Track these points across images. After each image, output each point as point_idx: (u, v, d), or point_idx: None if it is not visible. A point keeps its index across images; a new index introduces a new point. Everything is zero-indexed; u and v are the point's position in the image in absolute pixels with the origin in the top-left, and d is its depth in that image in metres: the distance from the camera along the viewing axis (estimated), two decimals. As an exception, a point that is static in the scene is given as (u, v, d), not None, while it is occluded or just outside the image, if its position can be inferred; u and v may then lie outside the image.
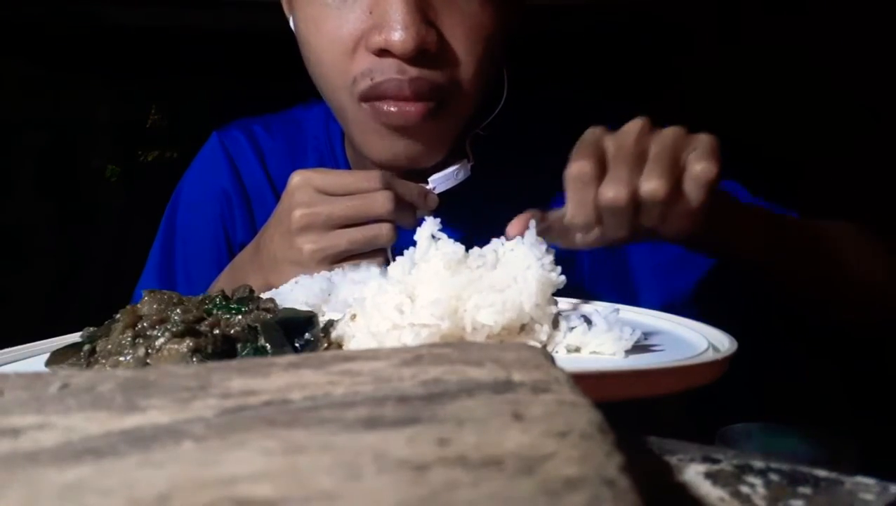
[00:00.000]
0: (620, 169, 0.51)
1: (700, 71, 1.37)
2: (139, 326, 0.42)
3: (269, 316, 0.44)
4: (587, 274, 0.78)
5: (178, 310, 0.42)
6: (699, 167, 0.50)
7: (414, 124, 0.63)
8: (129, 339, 0.41)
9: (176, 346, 0.39)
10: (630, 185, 0.50)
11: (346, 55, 0.63)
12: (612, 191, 0.50)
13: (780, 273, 0.66)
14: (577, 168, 0.52)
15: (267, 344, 0.41)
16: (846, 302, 0.70)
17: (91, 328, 0.45)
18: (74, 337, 0.46)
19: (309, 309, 0.47)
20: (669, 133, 0.53)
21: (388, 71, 0.61)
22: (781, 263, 0.65)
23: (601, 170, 0.52)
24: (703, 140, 0.52)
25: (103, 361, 0.40)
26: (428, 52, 0.61)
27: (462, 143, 0.73)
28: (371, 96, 0.63)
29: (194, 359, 0.39)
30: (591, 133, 0.54)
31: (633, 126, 0.53)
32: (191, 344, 0.39)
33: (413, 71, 0.61)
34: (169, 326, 0.41)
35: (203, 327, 0.41)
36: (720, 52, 1.35)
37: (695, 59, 1.38)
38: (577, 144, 0.54)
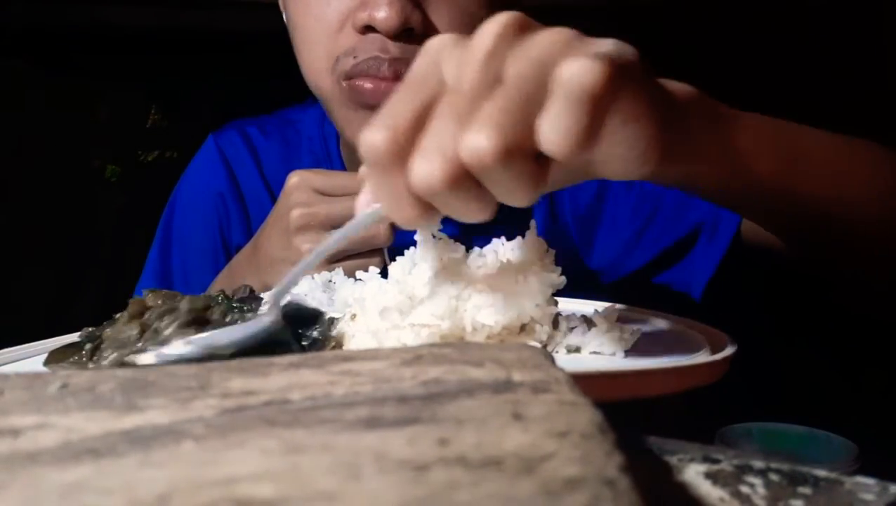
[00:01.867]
0: (441, 125, 0.33)
1: (700, 71, 1.37)
2: (146, 317, 0.42)
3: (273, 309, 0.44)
4: (574, 236, 0.79)
5: (184, 301, 0.42)
6: (568, 72, 0.31)
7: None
8: (135, 330, 0.40)
9: (182, 337, 0.39)
10: (450, 148, 0.32)
11: (332, 34, 0.63)
12: (422, 167, 0.32)
13: (796, 207, 0.51)
14: (367, 139, 0.33)
15: (282, 337, 0.41)
16: (862, 236, 0.55)
17: (89, 328, 0.45)
18: (74, 337, 0.46)
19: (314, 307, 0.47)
20: (541, 38, 0.33)
21: (371, 49, 0.61)
22: (796, 194, 0.50)
23: (418, 130, 0.33)
24: (599, 45, 0.33)
25: (108, 353, 0.40)
26: (412, 32, 0.61)
27: None
28: (351, 75, 0.63)
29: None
30: (428, 51, 0.36)
31: (486, 37, 0.34)
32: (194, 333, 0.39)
33: (395, 50, 0.61)
34: (176, 316, 0.40)
35: (213, 316, 0.41)
36: (720, 53, 1.35)
37: (695, 58, 1.39)
38: (410, 69, 0.36)
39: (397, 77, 0.61)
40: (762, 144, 0.47)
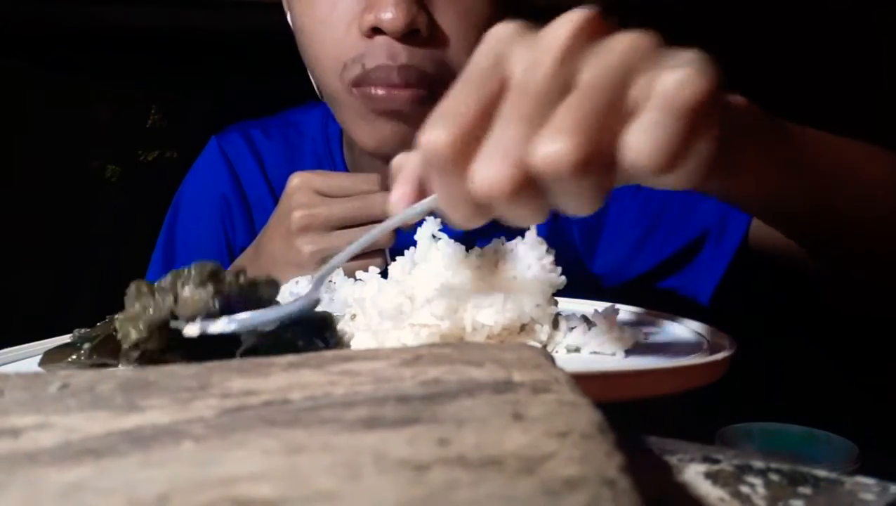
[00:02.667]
0: (508, 127, 0.31)
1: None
2: (157, 287, 0.40)
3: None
4: (578, 240, 0.79)
5: (194, 267, 0.41)
6: (667, 84, 0.30)
7: (403, 108, 0.63)
8: (150, 300, 0.40)
9: (200, 293, 0.38)
10: (517, 153, 0.30)
11: (338, 37, 0.63)
12: (488, 171, 0.30)
13: (805, 201, 0.48)
14: (427, 141, 0.32)
15: (299, 341, 0.41)
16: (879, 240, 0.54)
17: (83, 330, 0.45)
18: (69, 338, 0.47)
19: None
20: (621, 43, 0.32)
21: (379, 56, 0.61)
22: (808, 190, 0.47)
23: (482, 129, 0.31)
24: (679, 57, 0.31)
25: (127, 330, 0.39)
26: (419, 35, 0.61)
27: None
28: (361, 83, 0.63)
29: (216, 303, 0.38)
30: (493, 41, 0.34)
31: (560, 33, 0.31)
32: (212, 289, 0.38)
33: (403, 57, 0.61)
34: (191, 279, 0.39)
35: (228, 278, 0.41)
36: (721, 52, 1.35)
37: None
38: (471, 60, 0.34)
39: (408, 84, 0.62)
40: (805, 157, 0.46)
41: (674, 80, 0.29)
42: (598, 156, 0.30)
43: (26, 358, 0.48)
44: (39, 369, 0.43)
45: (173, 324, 0.39)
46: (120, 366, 0.41)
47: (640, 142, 0.30)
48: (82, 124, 1.22)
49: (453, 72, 0.64)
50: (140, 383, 0.26)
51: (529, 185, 0.30)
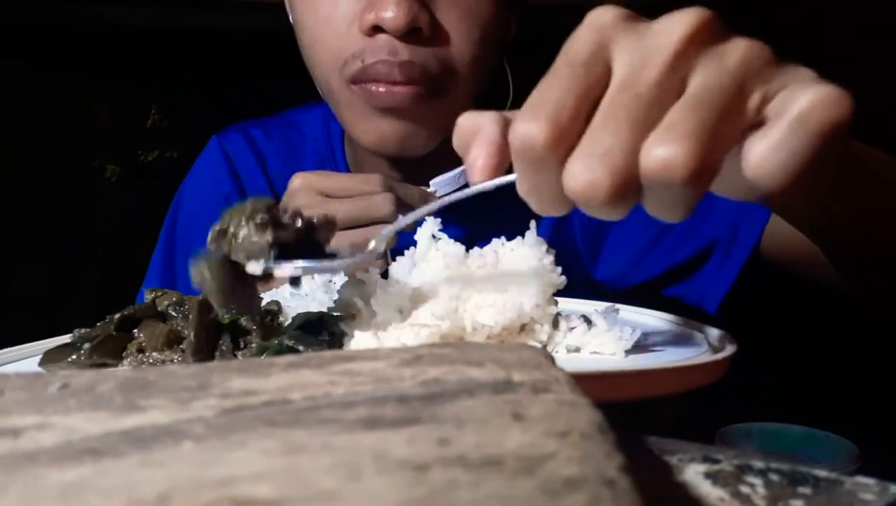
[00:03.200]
0: (612, 129, 0.29)
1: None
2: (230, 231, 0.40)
3: (286, 326, 0.44)
4: (581, 246, 0.79)
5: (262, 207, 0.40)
6: (803, 104, 0.28)
7: (402, 105, 0.63)
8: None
9: (257, 239, 0.39)
10: (620, 157, 0.29)
11: (339, 36, 0.63)
12: (586, 173, 0.29)
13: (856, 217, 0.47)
14: (522, 132, 0.30)
15: (300, 347, 0.41)
16: None
17: (83, 330, 0.45)
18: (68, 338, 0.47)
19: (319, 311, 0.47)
20: (738, 49, 0.30)
21: (380, 52, 0.61)
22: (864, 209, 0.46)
23: (581, 120, 0.30)
24: (802, 74, 0.30)
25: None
26: (420, 33, 0.61)
27: None
28: (361, 79, 0.63)
29: (272, 253, 0.39)
30: (595, 26, 0.32)
31: (677, 29, 0.30)
32: (269, 238, 0.39)
33: (404, 53, 0.61)
34: (255, 220, 0.39)
35: (285, 220, 0.41)
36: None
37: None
38: (566, 43, 0.33)
39: (410, 81, 0.62)
40: (874, 179, 0.44)
41: (813, 99, 0.28)
42: (712, 165, 0.28)
43: (26, 358, 0.48)
44: (39, 369, 0.43)
45: (237, 259, 0.40)
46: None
47: (767, 159, 0.29)
48: (82, 124, 1.22)
49: (455, 70, 0.64)
50: (140, 383, 0.26)
51: (629, 189, 0.29)
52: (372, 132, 0.66)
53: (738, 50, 0.30)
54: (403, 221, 0.43)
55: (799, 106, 0.28)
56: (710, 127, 0.28)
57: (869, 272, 0.55)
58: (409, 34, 0.60)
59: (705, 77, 0.29)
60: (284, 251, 0.40)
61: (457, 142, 0.36)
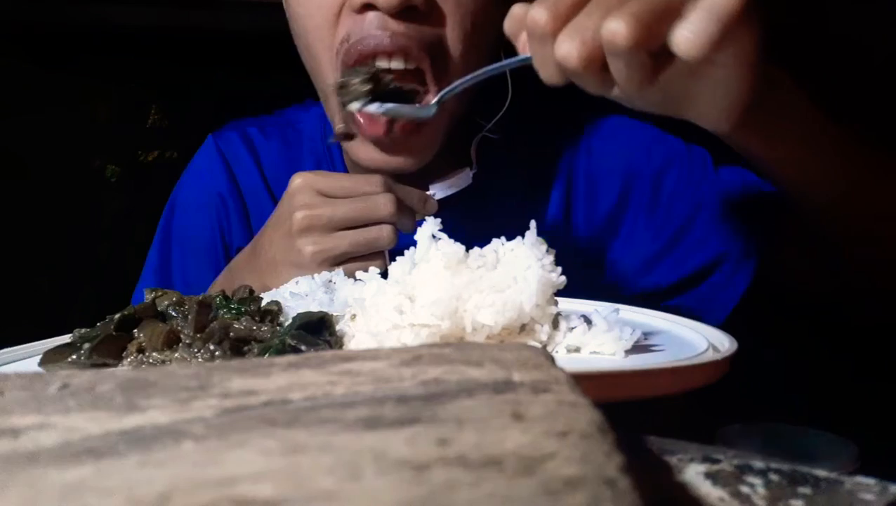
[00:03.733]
0: (587, 14, 0.41)
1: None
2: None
3: (286, 326, 0.44)
4: (579, 266, 0.78)
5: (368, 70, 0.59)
6: (704, 4, 0.39)
7: (383, 139, 0.63)
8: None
9: (362, 86, 0.57)
10: (590, 37, 0.40)
11: (331, 21, 0.63)
12: (566, 44, 0.41)
13: (830, 189, 0.56)
14: (531, 16, 0.43)
15: (302, 346, 0.41)
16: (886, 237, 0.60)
17: (83, 330, 0.45)
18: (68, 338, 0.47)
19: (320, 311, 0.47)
20: None
21: (368, 27, 0.61)
22: (842, 179, 0.55)
23: (566, 17, 0.42)
24: None
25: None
26: (416, 11, 0.60)
27: (467, 146, 0.72)
28: (351, 59, 0.62)
29: (370, 97, 0.57)
30: None
31: None
32: (370, 85, 0.58)
33: (395, 25, 0.60)
34: (361, 75, 0.58)
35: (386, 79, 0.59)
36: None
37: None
38: None
39: (400, 50, 0.61)
40: (839, 146, 0.53)
41: None
42: (648, 39, 0.40)
43: (26, 358, 0.48)
44: (39, 369, 0.43)
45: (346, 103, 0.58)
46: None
47: (684, 31, 0.39)
48: (82, 124, 1.22)
49: (449, 51, 0.63)
50: (140, 383, 0.26)
51: (595, 59, 0.41)
52: (364, 155, 0.66)
53: None
54: (462, 82, 0.54)
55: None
56: (649, 13, 0.39)
57: (862, 250, 0.61)
58: (404, 11, 0.59)
59: None
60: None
61: (507, 27, 0.47)
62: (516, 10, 0.46)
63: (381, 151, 0.65)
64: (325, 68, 0.65)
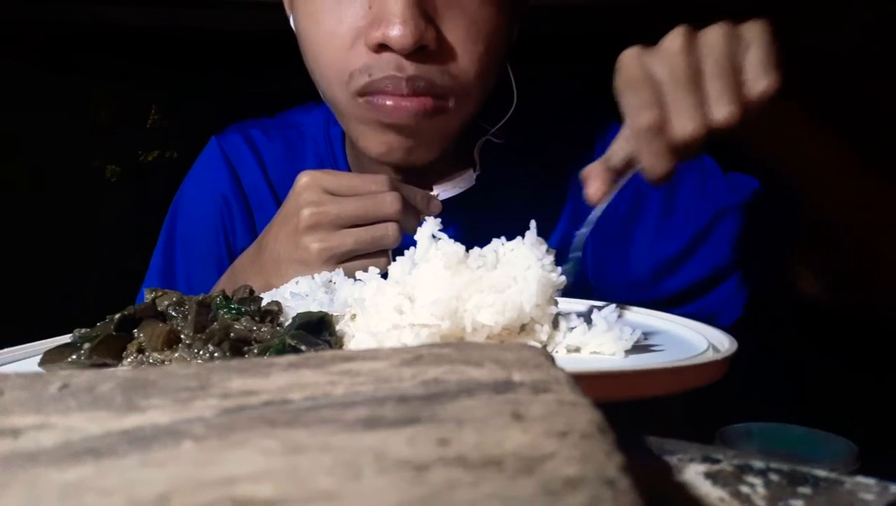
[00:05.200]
0: (684, 100, 0.48)
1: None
2: None
3: (286, 326, 0.44)
4: (590, 267, 0.78)
5: None
6: (760, 87, 0.48)
7: (409, 122, 0.63)
8: None
9: None
10: (703, 116, 0.47)
11: (345, 50, 0.63)
12: (689, 126, 0.47)
13: (837, 202, 0.61)
14: (646, 120, 0.48)
15: (302, 347, 0.41)
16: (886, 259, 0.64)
17: (83, 330, 0.45)
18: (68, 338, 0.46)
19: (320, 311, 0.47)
20: (716, 39, 0.48)
21: (386, 68, 0.61)
22: (841, 192, 0.60)
23: (661, 108, 0.48)
24: (754, 37, 0.48)
25: None
26: (427, 49, 0.61)
27: (470, 148, 0.72)
28: (367, 92, 0.63)
29: None
30: (631, 63, 0.50)
31: (675, 42, 0.49)
32: None
33: (411, 69, 0.61)
34: None
35: None
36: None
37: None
38: (619, 81, 0.50)
39: (415, 93, 0.62)
40: (845, 166, 0.59)
41: (762, 84, 0.48)
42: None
43: (26, 358, 0.48)
44: (39, 369, 0.43)
45: None
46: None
47: (752, 109, 0.48)
48: (82, 124, 1.22)
49: (461, 83, 0.64)
50: (140, 383, 0.26)
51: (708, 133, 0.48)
52: (378, 144, 0.66)
53: (715, 38, 0.49)
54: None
55: (752, 86, 0.48)
56: (733, 91, 0.48)
57: (869, 265, 0.64)
58: (416, 51, 0.60)
59: (710, 63, 0.48)
60: None
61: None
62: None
63: (396, 134, 0.65)
64: (338, 92, 0.65)
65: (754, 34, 0.49)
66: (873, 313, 0.71)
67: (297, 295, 0.51)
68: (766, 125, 0.52)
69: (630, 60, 0.50)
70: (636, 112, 0.49)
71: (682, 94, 0.48)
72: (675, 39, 0.49)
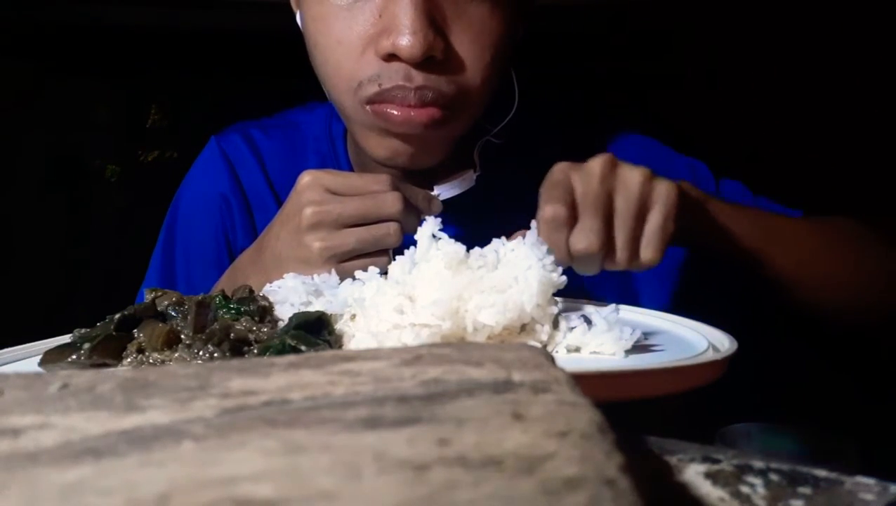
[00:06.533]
0: (589, 219, 0.55)
1: (700, 70, 1.37)
2: None
3: (283, 326, 0.44)
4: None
5: None
6: (655, 226, 0.56)
7: (417, 132, 0.63)
8: None
9: None
10: (599, 236, 0.54)
11: (354, 58, 0.63)
12: (584, 242, 0.54)
13: (775, 271, 0.67)
14: (550, 212, 0.55)
15: (302, 347, 0.41)
16: (845, 301, 0.70)
17: (83, 330, 0.45)
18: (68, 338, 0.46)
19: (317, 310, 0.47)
20: (632, 180, 0.56)
21: (396, 77, 0.61)
22: (775, 261, 0.66)
23: (571, 212, 0.55)
24: (663, 192, 0.56)
25: None
26: (435, 59, 0.61)
27: (471, 149, 0.72)
28: (376, 101, 0.63)
29: None
30: (559, 171, 0.57)
31: (597, 167, 0.56)
32: None
33: (419, 79, 0.61)
34: None
35: None
36: (720, 52, 1.35)
37: (695, 57, 1.39)
38: (545, 183, 0.57)
39: (423, 104, 0.62)
40: (740, 224, 0.65)
41: (656, 219, 0.57)
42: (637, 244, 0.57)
43: (26, 358, 0.48)
44: (39, 369, 0.43)
45: None
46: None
47: (645, 250, 0.57)
48: (82, 124, 1.22)
49: (468, 92, 0.64)
50: (140, 383, 0.26)
51: (603, 251, 0.55)
52: (384, 149, 0.66)
53: (632, 178, 0.57)
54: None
55: (652, 218, 0.57)
56: (630, 229, 0.56)
57: (846, 316, 0.72)
58: (424, 61, 0.60)
59: (620, 199, 0.56)
60: None
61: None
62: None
63: (401, 141, 0.65)
64: (346, 98, 0.65)
65: (664, 192, 0.56)
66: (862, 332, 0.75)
67: (273, 291, 0.51)
68: (689, 232, 0.59)
69: (559, 168, 0.57)
70: (545, 203, 0.55)
71: (589, 210, 0.55)
72: (596, 164, 0.56)
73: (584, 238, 0.54)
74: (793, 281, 0.68)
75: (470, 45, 0.63)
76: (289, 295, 0.51)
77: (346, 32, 0.63)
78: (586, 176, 0.56)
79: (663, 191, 0.56)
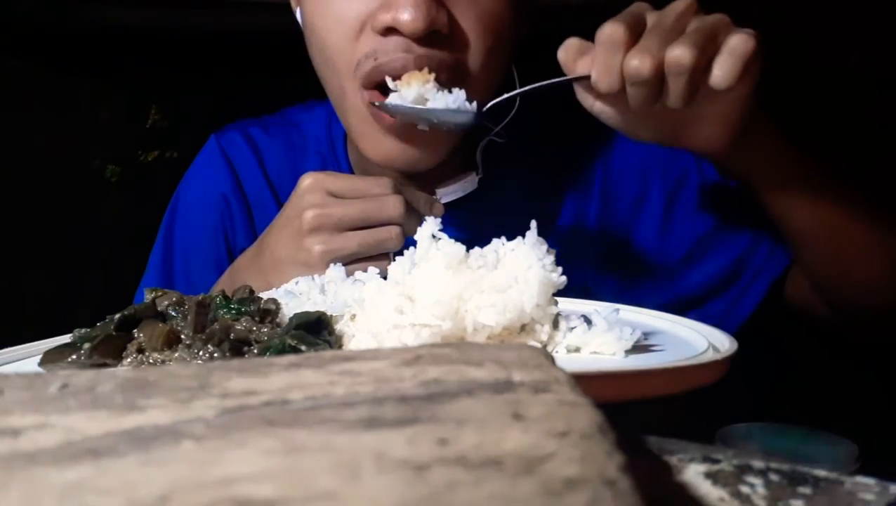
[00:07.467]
0: (652, 39, 0.50)
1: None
2: None
3: (284, 326, 0.44)
4: (591, 274, 0.78)
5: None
6: (735, 40, 0.50)
7: (408, 131, 0.63)
8: None
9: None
10: (657, 56, 0.49)
11: (352, 37, 0.62)
12: (637, 59, 0.50)
13: (811, 218, 0.63)
14: (609, 31, 0.51)
15: (302, 347, 0.41)
16: (877, 273, 0.66)
17: (83, 330, 0.45)
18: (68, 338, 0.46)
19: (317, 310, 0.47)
20: (713, 16, 0.52)
21: (393, 51, 0.60)
22: (828, 205, 0.62)
23: (634, 38, 0.51)
24: (747, 30, 0.51)
25: None
26: (439, 34, 0.60)
27: (472, 151, 0.72)
28: (374, 78, 0.62)
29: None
30: (637, 5, 0.54)
31: (678, 4, 0.53)
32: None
33: (420, 50, 0.60)
34: None
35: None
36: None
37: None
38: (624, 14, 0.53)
39: (420, 66, 0.60)
40: (801, 157, 0.61)
41: (737, 38, 0.50)
42: (697, 68, 0.50)
43: (26, 358, 0.48)
44: (39, 369, 0.43)
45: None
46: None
47: (719, 67, 0.50)
48: (82, 124, 1.22)
49: (468, 73, 0.63)
50: (140, 383, 0.26)
51: (658, 74, 0.50)
52: (379, 150, 0.66)
53: (713, 16, 0.52)
54: (507, 97, 0.62)
55: (731, 41, 0.50)
56: (700, 43, 0.49)
57: (845, 282, 0.67)
58: (426, 35, 0.59)
59: (695, 24, 0.51)
60: None
61: (563, 56, 0.55)
62: (573, 41, 0.54)
63: (400, 141, 0.65)
64: (344, 81, 0.65)
65: (748, 33, 0.51)
66: (859, 331, 0.73)
67: (291, 294, 0.51)
68: (739, 143, 0.56)
69: (634, 5, 0.55)
70: (609, 24, 0.52)
71: (655, 32, 0.51)
72: (678, 3, 0.53)
73: (638, 55, 0.50)
74: (836, 235, 0.64)
75: (474, 24, 0.62)
76: (306, 294, 0.51)
77: (344, 12, 0.62)
78: (663, 11, 0.53)
79: (747, 31, 0.51)
